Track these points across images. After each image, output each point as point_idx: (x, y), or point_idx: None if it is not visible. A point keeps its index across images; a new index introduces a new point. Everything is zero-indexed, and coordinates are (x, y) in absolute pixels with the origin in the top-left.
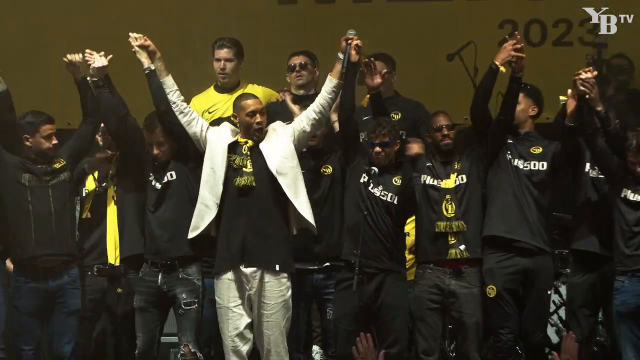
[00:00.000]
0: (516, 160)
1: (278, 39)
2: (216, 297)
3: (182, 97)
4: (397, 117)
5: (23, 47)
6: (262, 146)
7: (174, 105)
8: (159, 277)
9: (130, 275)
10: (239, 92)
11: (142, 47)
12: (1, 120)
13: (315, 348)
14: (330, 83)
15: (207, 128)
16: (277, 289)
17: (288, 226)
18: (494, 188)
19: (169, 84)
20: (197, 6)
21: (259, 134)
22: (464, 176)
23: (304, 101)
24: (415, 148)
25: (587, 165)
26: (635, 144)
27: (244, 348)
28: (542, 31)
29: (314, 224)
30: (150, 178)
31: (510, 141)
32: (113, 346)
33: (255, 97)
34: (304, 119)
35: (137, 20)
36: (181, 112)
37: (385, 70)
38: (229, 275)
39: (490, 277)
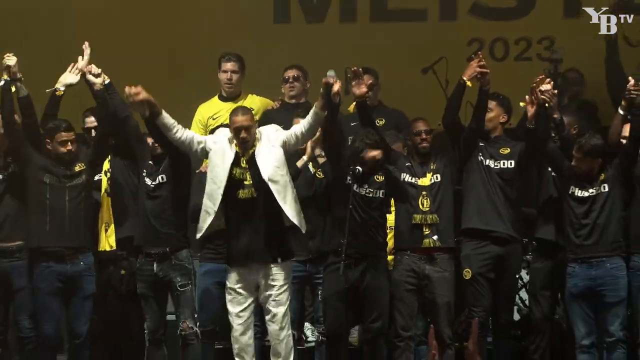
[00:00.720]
0: (487, 160)
1: (273, 53)
2: (227, 282)
3: (181, 130)
4: (381, 122)
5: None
6: (257, 157)
7: (179, 142)
8: (154, 265)
9: (132, 259)
10: (241, 101)
11: (140, 101)
12: (24, 122)
13: (307, 325)
14: (314, 113)
15: (205, 145)
16: (281, 275)
17: (296, 219)
18: (469, 186)
19: (169, 123)
20: (203, 23)
21: (244, 148)
22: (438, 175)
23: (295, 109)
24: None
25: None
26: (579, 148)
27: (249, 330)
28: (505, 48)
29: (300, 224)
30: (144, 174)
31: (482, 144)
32: (120, 324)
33: (244, 113)
34: (293, 133)
35: (149, 35)
36: (183, 142)
37: (371, 81)
38: (239, 269)
39: (466, 262)
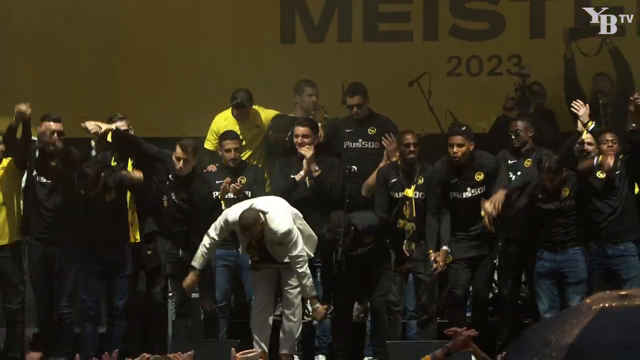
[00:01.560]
0: (464, 193)
1: (281, 69)
2: (252, 279)
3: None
4: (373, 132)
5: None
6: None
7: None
8: (180, 251)
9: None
10: (251, 117)
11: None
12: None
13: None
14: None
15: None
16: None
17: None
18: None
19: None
20: (221, 45)
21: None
22: (422, 194)
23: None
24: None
25: None
26: (547, 166)
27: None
28: (479, 65)
29: (310, 254)
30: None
31: (452, 181)
32: (147, 300)
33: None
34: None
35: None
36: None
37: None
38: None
39: (450, 249)
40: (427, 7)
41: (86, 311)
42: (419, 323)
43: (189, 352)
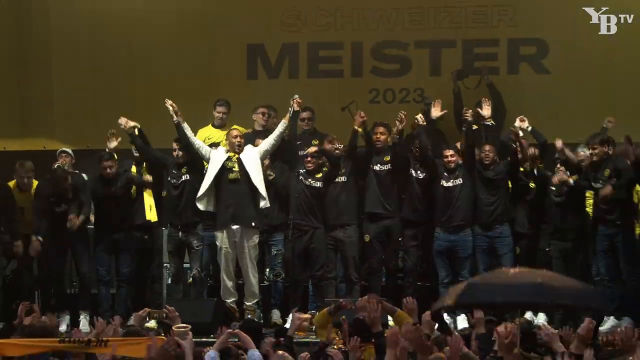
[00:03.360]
0: (376, 166)
1: (248, 99)
2: (216, 242)
3: (197, 140)
4: (316, 142)
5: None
6: (242, 158)
7: (195, 144)
8: (180, 233)
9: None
10: (227, 129)
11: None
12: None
13: (267, 270)
14: (281, 123)
15: (210, 151)
16: (252, 236)
17: (257, 201)
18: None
19: (189, 133)
20: (201, 75)
21: (239, 149)
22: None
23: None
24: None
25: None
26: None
27: (231, 276)
28: (393, 95)
29: (266, 201)
30: (172, 175)
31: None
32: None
33: (238, 130)
34: (265, 144)
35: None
36: (198, 147)
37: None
38: (224, 230)
39: (366, 230)
40: (354, 52)
41: (101, 277)
42: (347, 286)
43: (186, 328)
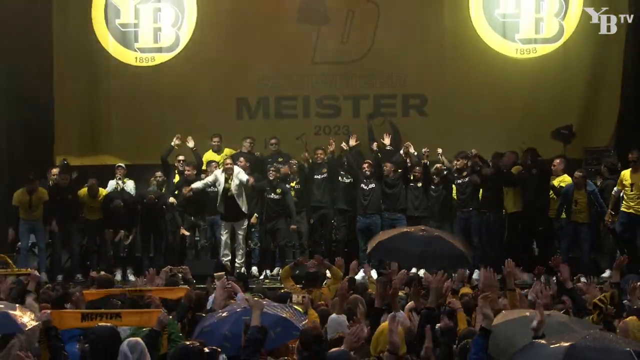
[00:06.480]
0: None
1: (237, 133)
2: (221, 227)
3: (208, 180)
4: (281, 160)
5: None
6: (234, 181)
7: (209, 184)
8: (192, 217)
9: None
10: (224, 153)
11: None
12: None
13: (249, 241)
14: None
15: (214, 180)
16: (244, 227)
17: (244, 207)
18: None
19: (200, 185)
20: (198, 112)
21: (230, 170)
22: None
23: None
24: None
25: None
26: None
27: (227, 245)
28: (329, 130)
29: (246, 206)
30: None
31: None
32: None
33: (230, 159)
34: (242, 177)
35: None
36: (210, 184)
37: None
38: (227, 225)
39: (310, 216)
40: (304, 103)
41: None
42: (300, 251)
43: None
